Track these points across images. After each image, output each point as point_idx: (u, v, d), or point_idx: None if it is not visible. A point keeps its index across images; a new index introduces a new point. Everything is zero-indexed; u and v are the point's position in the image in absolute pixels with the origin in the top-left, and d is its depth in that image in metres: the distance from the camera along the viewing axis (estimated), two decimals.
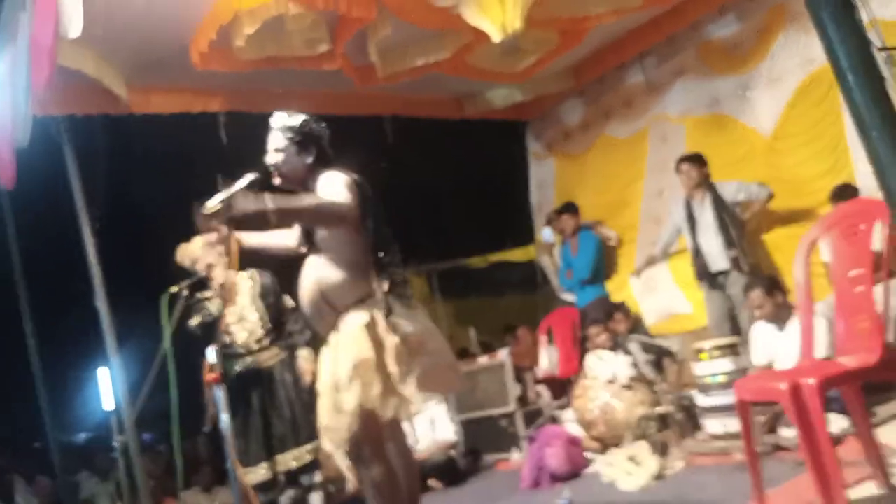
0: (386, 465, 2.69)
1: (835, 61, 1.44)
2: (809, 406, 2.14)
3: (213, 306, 4.27)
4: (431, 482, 5.09)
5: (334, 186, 2.75)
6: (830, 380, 2.29)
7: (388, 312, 2.67)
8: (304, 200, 2.75)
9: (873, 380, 3.25)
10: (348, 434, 2.65)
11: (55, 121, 5.02)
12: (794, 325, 3.95)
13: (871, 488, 2.51)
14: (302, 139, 2.91)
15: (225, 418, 3.08)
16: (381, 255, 2.74)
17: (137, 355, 4.25)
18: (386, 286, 2.69)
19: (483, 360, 6.04)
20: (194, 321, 4.22)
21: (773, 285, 4.12)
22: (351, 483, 5.85)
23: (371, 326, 2.65)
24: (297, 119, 2.96)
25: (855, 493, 2.47)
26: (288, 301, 4.51)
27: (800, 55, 5.71)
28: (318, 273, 2.80)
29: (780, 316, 4.06)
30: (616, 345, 5.40)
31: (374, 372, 2.60)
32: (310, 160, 2.91)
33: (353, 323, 2.70)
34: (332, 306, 2.78)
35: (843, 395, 2.82)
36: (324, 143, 2.97)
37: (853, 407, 2.56)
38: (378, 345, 2.63)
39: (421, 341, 2.69)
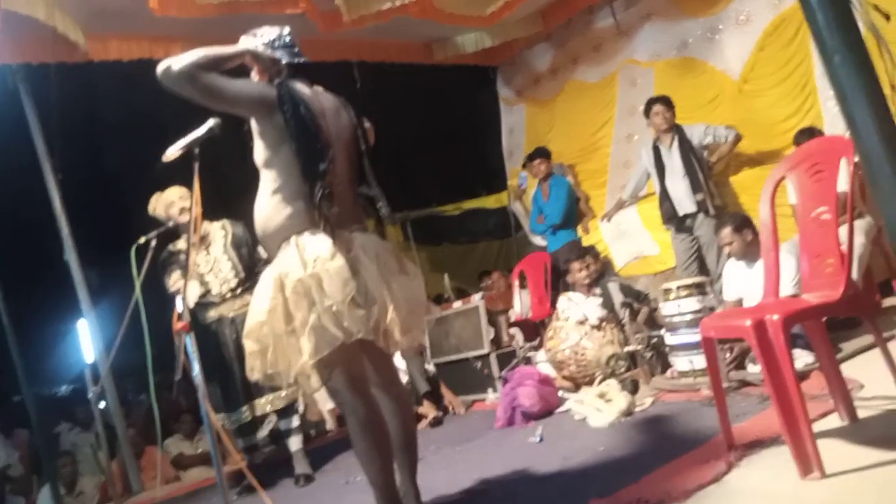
0: (358, 406, 2.44)
1: None
2: (774, 342, 2.15)
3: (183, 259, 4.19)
4: None
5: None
6: (794, 316, 2.31)
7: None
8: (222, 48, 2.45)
9: (837, 315, 3.35)
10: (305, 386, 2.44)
11: (10, 70, 4.87)
12: (762, 262, 4.00)
13: (835, 421, 2.57)
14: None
15: (196, 366, 3.03)
16: (314, 187, 2.40)
17: (119, 306, 4.20)
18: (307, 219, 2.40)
19: (457, 304, 6.09)
20: (171, 279, 4.16)
21: (742, 223, 4.14)
22: (330, 425, 5.97)
23: (282, 278, 2.39)
24: None
25: (819, 425, 2.52)
26: (261, 251, 4.48)
27: None
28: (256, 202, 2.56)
29: (749, 253, 4.11)
30: (594, 283, 5.47)
31: (269, 337, 2.39)
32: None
33: (262, 280, 2.48)
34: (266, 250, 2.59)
35: (807, 331, 2.88)
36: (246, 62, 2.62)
37: (817, 342, 2.59)
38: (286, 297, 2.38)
39: (323, 282, 2.33)
